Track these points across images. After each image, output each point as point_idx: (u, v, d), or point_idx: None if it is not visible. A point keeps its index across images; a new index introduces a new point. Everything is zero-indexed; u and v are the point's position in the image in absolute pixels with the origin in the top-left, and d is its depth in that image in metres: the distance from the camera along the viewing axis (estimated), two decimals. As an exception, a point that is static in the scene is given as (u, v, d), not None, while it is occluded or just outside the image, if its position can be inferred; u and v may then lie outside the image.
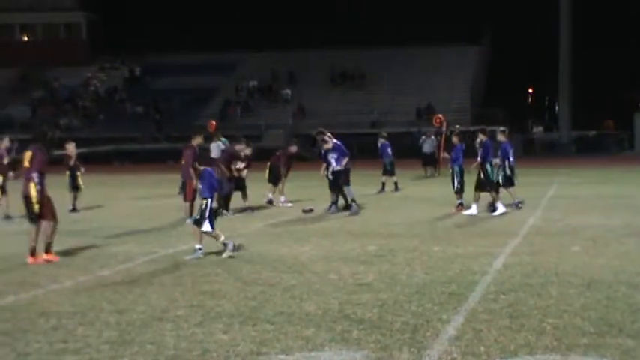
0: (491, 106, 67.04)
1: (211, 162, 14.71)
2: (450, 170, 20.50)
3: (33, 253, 13.10)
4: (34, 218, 13.12)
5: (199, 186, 13.73)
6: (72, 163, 22.96)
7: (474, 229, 16.42)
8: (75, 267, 12.48)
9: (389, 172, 27.54)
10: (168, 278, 11.29)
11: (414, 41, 74.02)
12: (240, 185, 20.85)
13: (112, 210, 23.04)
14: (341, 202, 20.83)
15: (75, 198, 22.62)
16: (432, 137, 36.99)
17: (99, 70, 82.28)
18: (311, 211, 20.39)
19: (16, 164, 18.79)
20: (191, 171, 17.25)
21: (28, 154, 13.28)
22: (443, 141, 34.17)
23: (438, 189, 26.60)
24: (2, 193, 20.24)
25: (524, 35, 79.84)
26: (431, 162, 36.32)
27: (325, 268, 11.90)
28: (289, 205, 22.53)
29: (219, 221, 14.11)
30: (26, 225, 13.69)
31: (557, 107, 79.11)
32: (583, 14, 69.98)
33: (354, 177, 21.21)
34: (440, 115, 42.85)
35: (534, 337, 7.76)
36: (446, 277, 10.93)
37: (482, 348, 7.45)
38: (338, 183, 20.41)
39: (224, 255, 12.93)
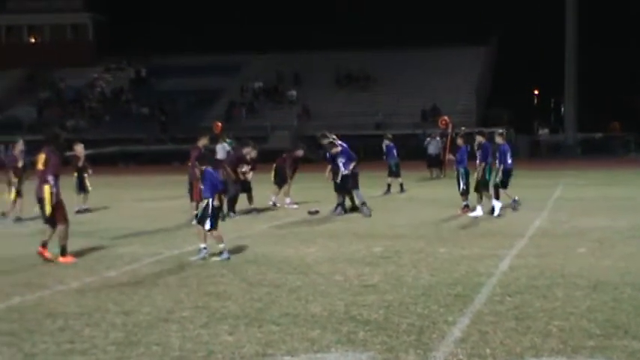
0: (496, 108, 66.95)
1: (212, 162, 14.69)
2: (456, 172, 20.48)
3: (44, 245, 13.22)
4: (49, 220, 13.20)
5: (201, 186, 13.71)
6: (80, 164, 23.01)
7: (479, 231, 16.40)
8: (81, 268, 12.49)
9: (394, 173, 27.54)
10: (173, 279, 11.29)
11: (420, 43, 73.96)
12: (245, 187, 20.86)
13: (117, 211, 23.07)
14: (348, 204, 20.81)
15: (85, 199, 22.66)
16: (437, 139, 37.00)
17: (105, 71, 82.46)
18: (317, 212, 20.38)
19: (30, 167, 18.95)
20: (196, 171, 17.26)
21: (41, 157, 13.33)
22: (448, 143, 34.16)
23: (443, 190, 26.58)
24: (17, 196, 20.26)
25: (530, 36, 79.70)
26: (436, 163, 36.31)
27: (331, 269, 11.89)
28: (295, 206, 22.54)
29: (225, 223, 14.10)
30: (40, 226, 13.74)
31: (563, 109, 78.99)
32: (589, 16, 69.87)
33: (359, 178, 21.17)
34: (445, 117, 42.88)
35: (540, 340, 7.74)
36: (452, 279, 10.91)
37: (488, 350, 7.44)
38: (346, 186, 20.40)
39: (214, 258, 12.90)
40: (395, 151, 27.83)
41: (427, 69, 72.23)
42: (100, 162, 24.19)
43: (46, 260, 13.04)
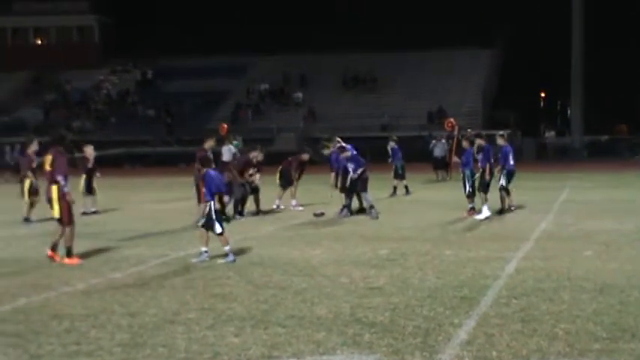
0: (502, 110, 66.88)
1: (214, 164, 14.70)
2: (461, 174, 20.46)
3: (54, 248, 13.35)
4: (59, 219, 13.26)
5: (203, 189, 13.69)
6: (90, 165, 23.08)
7: (485, 233, 16.38)
8: (87, 270, 12.51)
9: (400, 175, 27.53)
10: (179, 281, 11.30)
11: (426, 45, 73.89)
12: (253, 190, 20.89)
13: (123, 213, 23.10)
14: (356, 206, 20.81)
15: (93, 201, 22.70)
16: (443, 141, 36.95)
17: (111, 73, 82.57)
18: (322, 214, 20.39)
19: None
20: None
21: (48, 158, 13.43)
22: (454, 145, 34.12)
23: (449, 193, 26.56)
24: (30, 196, 20.29)
25: (537, 39, 79.63)
26: (442, 166, 36.28)
27: (336, 271, 11.89)
28: (300, 208, 22.54)
29: (231, 225, 14.10)
30: (51, 228, 13.80)
31: (569, 111, 78.89)
32: (595, 18, 69.75)
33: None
34: (452, 119, 42.77)
35: (547, 343, 7.73)
36: (458, 282, 10.90)
37: (494, 353, 7.43)
38: (355, 189, 20.41)
39: (219, 260, 12.91)
40: (400, 153, 27.81)
41: (433, 71, 72.19)
42: (106, 164, 24.26)
43: (55, 262, 13.11)
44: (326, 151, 20.67)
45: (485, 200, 19.34)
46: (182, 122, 68.60)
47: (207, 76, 75.25)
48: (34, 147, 20.72)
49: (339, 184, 21.04)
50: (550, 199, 24.21)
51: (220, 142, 26.08)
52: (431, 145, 37.46)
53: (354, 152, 20.49)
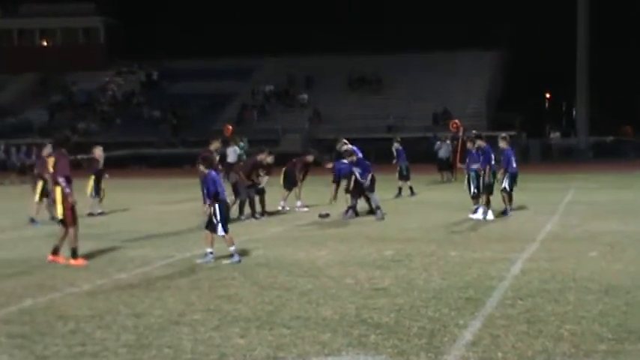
0: (508, 111, 66.83)
1: (214, 165, 14.68)
2: (466, 175, 20.43)
3: (55, 252, 13.39)
4: (62, 221, 13.30)
5: (204, 190, 13.65)
6: (100, 167, 23.15)
7: (491, 235, 16.36)
8: (92, 271, 12.53)
9: (405, 176, 27.53)
10: (184, 282, 11.31)
11: (431, 46, 73.90)
12: (259, 191, 20.91)
13: (129, 214, 23.12)
14: (364, 207, 20.80)
15: (100, 202, 22.75)
16: (448, 142, 36.96)
17: (116, 74, 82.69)
18: (327, 215, 20.38)
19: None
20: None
21: (51, 160, 13.50)
22: (459, 146, 34.11)
23: (454, 194, 26.54)
24: (41, 198, 20.37)
25: (542, 40, 79.54)
26: (447, 167, 36.27)
27: (342, 272, 11.89)
28: (305, 209, 22.55)
29: (236, 227, 14.11)
30: (55, 229, 13.84)
31: (574, 112, 78.79)
32: (600, 19, 69.66)
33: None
34: (456, 120, 42.79)
35: (552, 344, 7.73)
36: (463, 283, 10.90)
37: (499, 354, 7.43)
38: (362, 191, 20.42)
39: (224, 261, 12.92)
40: (405, 155, 27.81)
41: (438, 72, 72.15)
42: (111, 165, 24.36)
43: (60, 263, 13.15)
44: (349, 159, 20.56)
45: (487, 202, 19.31)
46: (187, 124, 68.69)
47: (212, 78, 75.28)
48: (48, 149, 20.83)
49: (344, 186, 21.01)
50: (555, 200, 24.19)
51: (225, 143, 26.13)
52: (436, 147, 37.47)
53: (360, 155, 20.47)
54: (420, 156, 38.67)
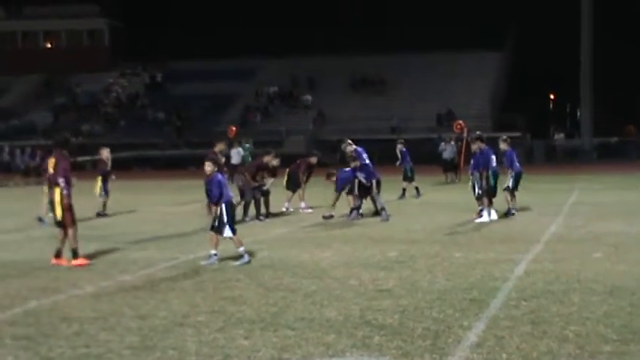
0: (512, 113, 66.81)
1: (221, 167, 14.66)
2: (471, 176, 20.41)
3: (58, 255, 13.43)
4: (59, 223, 13.34)
5: (212, 191, 13.61)
6: (107, 168, 23.21)
7: (495, 236, 16.35)
8: (96, 272, 12.54)
9: (409, 177, 27.52)
10: (189, 284, 11.32)
11: (435, 47, 73.86)
12: (264, 193, 20.91)
13: (132, 216, 23.14)
14: (368, 208, 20.79)
15: (105, 203, 22.80)
16: (452, 143, 36.96)
17: (120, 76, 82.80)
18: (331, 217, 20.37)
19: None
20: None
21: (51, 161, 13.56)
22: (463, 147, 34.12)
23: (458, 195, 26.53)
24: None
25: (546, 41, 79.49)
26: (451, 168, 36.27)
27: (346, 274, 11.89)
28: (309, 210, 22.56)
29: (240, 228, 14.11)
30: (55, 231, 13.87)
31: (578, 113, 78.73)
32: (604, 19, 69.60)
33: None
34: (460, 121, 42.77)
35: (557, 345, 7.72)
36: (467, 284, 10.89)
37: (503, 355, 7.42)
38: (369, 192, 20.40)
39: (235, 263, 12.92)
40: (409, 156, 27.81)
41: (442, 73, 72.14)
42: (115, 167, 24.44)
43: (64, 265, 13.20)
44: (353, 164, 20.54)
45: (490, 203, 19.30)
46: (191, 125, 68.76)
47: (216, 79, 75.36)
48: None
49: (348, 188, 20.98)
50: (559, 201, 24.16)
51: (230, 144, 26.13)
52: (440, 148, 37.47)
53: (364, 161, 20.42)
54: (425, 157, 38.64)
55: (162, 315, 9.31)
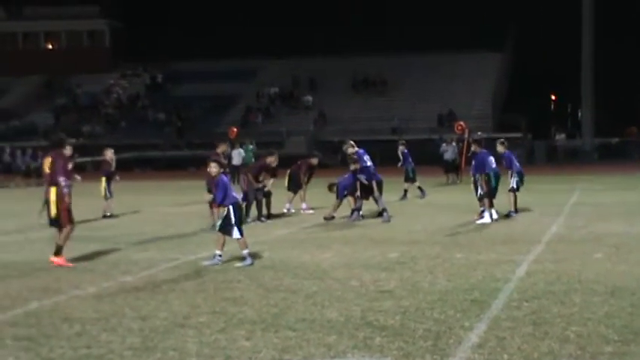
0: (513, 113, 66.80)
1: (225, 169, 14.67)
2: (472, 177, 20.42)
3: (57, 253, 13.45)
4: (53, 222, 13.37)
5: (217, 193, 13.59)
6: (112, 169, 23.25)
7: (496, 236, 16.34)
8: (97, 273, 12.54)
9: (411, 178, 27.51)
10: (190, 285, 11.32)
11: (436, 47, 73.88)
12: (265, 194, 20.91)
13: (133, 217, 23.14)
14: (371, 209, 20.77)
15: (110, 204, 22.84)
16: (453, 144, 36.95)
17: (121, 77, 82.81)
18: (332, 218, 20.37)
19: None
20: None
21: (47, 161, 13.63)
22: (465, 148, 34.12)
23: (460, 196, 26.53)
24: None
25: (547, 42, 79.48)
26: (452, 169, 36.26)
27: (347, 275, 11.89)
28: (311, 211, 22.56)
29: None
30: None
31: (579, 114, 78.72)
32: (605, 20, 69.59)
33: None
34: (461, 122, 42.81)
35: (558, 345, 7.72)
36: (468, 285, 10.89)
37: (505, 356, 7.42)
38: (371, 194, 20.40)
39: (237, 264, 12.92)
40: (410, 157, 27.81)
41: (443, 74, 72.15)
42: (117, 167, 24.49)
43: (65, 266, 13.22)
44: (352, 167, 20.52)
45: (490, 205, 19.29)
46: (192, 126, 68.78)
47: (216, 80, 75.39)
48: (68, 151, 20.98)
49: (348, 190, 20.96)
50: (561, 202, 24.16)
51: (231, 145, 26.13)
52: (442, 149, 37.46)
53: (365, 163, 20.39)
54: (426, 158, 38.64)
55: (164, 316, 9.31)
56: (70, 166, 20.48)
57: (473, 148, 20.09)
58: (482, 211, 19.47)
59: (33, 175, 38.89)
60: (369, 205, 20.94)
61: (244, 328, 8.62)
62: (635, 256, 13.28)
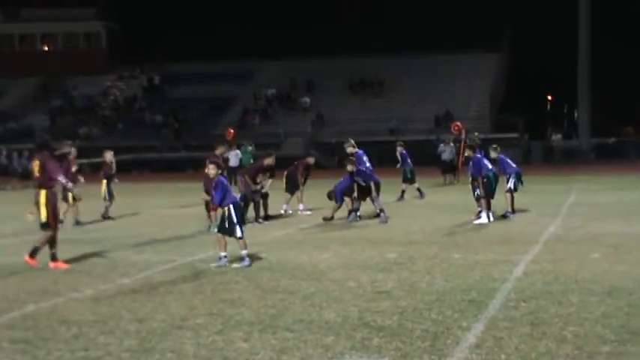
0: (510, 114, 66.85)
1: (224, 170, 14.68)
2: (470, 178, 20.43)
3: (53, 258, 13.52)
4: (45, 225, 13.37)
5: (215, 194, 13.57)
6: (112, 172, 23.26)
7: (493, 237, 16.35)
8: (95, 275, 12.53)
9: (409, 179, 27.51)
10: (187, 287, 11.31)
11: (433, 48, 73.92)
12: (263, 195, 20.90)
13: (131, 218, 23.13)
14: (372, 209, 20.76)
15: (109, 206, 22.87)
16: (451, 144, 36.97)
17: (118, 79, 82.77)
18: (332, 218, 20.36)
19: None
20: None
21: (36, 164, 13.66)
22: (462, 148, 34.13)
23: (457, 196, 26.55)
24: (74, 199, 20.67)
25: (544, 42, 79.57)
26: (450, 169, 36.28)
27: (344, 275, 11.89)
28: (308, 212, 22.57)
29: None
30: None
31: (576, 114, 78.82)
32: (602, 20, 69.69)
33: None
34: (458, 123, 42.85)
35: (555, 346, 7.72)
36: (466, 285, 10.90)
37: (502, 356, 7.43)
38: (368, 195, 20.39)
39: (235, 265, 12.91)
40: (409, 158, 27.81)
41: (440, 75, 72.18)
42: (116, 169, 24.57)
43: (63, 268, 13.23)
44: (349, 167, 20.51)
45: (488, 206, 19.29)
46: (189, 128, 68.76)
47: (214, 82, 75.41)
48: (73, 153, 21.15)
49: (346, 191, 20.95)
50: (558, 202, 24.18)
51: (228, 147, 26.11)
52: (439, 149, 37.48)
53: (365, 164, 20.37)
54: (423, 158, 38.64)
55: (161, 318, 9.31)
56: (74, 168, 20.70)
57: (467, 153, 20.17)
58: (480, 212, 19.48)
59: (30, 177, 38.81)
60: (366, 206, 20.95)
61: (242, 330, 8.62)
62: (632, 256, 13.29)
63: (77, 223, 20.85)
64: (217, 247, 13.33)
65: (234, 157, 36.47)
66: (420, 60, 74.84)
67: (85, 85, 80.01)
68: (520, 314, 9.06)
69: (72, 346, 8.11)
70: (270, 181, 21.26)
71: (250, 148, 39.12)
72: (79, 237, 18.30)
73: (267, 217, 20.92)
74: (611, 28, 74.84)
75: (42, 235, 13.51)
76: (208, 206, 18.26)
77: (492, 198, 19.55)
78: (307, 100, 71.94)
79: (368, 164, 20.55)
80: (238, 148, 38.40)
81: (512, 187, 20.34)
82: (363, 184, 20.20)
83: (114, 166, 23.60)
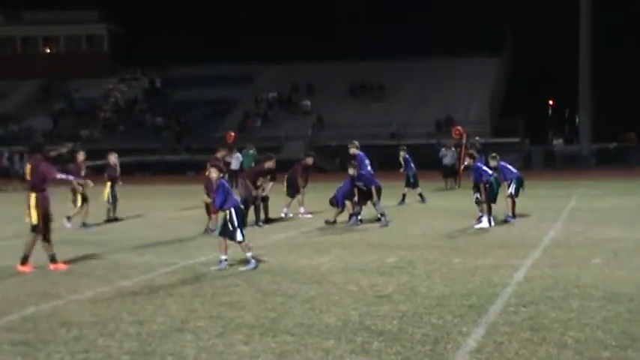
0: (511, 118, 66.80)
1: (225, 174, 14.70)
2: (473, 182, 20.41)
3: (52, 260, 13.57)
4: (35, 227, 13.35)
5: (217, 197, 13.57)
6: (116, 174, 23.29)
7: (494, 241, 16.34)
8: (95, 278, 12.53)
9: (412, 184, 27.47)
10: (187, 289, 11.31)
11: (434, 53, 73.97)
12: (263, 198, 20.90)
13: (131, 221, 23.12)
14: (373, 213, 20.76)
15: (114, 208, 22.88)
16: (452, 149, 36.94)
17: (119, 81, 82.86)
18: (334, 222, 20.34)
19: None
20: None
21: (28, 167, 13.71)
22: (463, 153, 34.10)
23: (458, 201, 26.53)
24: (83, 201, 20.87)
25: (545, 47, 79.59)
26: (451, 174, 36.24)
27: (344, 279, 11.89)
28: (309, 215, 22.56)
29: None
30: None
31: (577, 119, 78.77)
32: (603, 25, 69.68)
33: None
34: (459, 127, 42.81)
35: (556, 351, 7.71)
36: (466, 290, 10.89)
37: (503, 361, 7.42)
38: (369, 199, 20.39)
39: (242, 268, 12.92)
40: (412, 162, 27.78)
41: (441, 79, 72.18)
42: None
43: (63, 269, 13.23)
44: (351, 171, 20.51)
45: (489, 210, 19.28)
46: (190, 130, 68.77)
47: (215, 85, 75.46)
48: (81, 156, 21.21)
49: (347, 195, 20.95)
50: (558, 207, 24.16)
51: (229, 150, 26.10)
52: (441, 154, 37.43)
53: (366, 167, 20.37)
54: (425, 163, 38.63)
55: (161, 320, 9.31)
56: (82, 172, 20.78)
57: (466, 162, 20.16)
58: (481, 216, 19.47)
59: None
60: (367, 210, 20.94)
61: (242, 333, 8.61)
62: (633, 261, 13.28)
63: (84, 225, 20.85)
64: (218, 250, 13.33)
65: (235, 161, 36.47)
66: (420, 64, 74.86)
67: (87, 87, 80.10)
68: (520, 319, 9.05)
69: (72, 349, 8.11)
70: (270, 184, 21.27)
71: (252, 151, 39.11)
72: (80, 238, 18.32)
73: (267, 220, 20.91)
74: (612, 34, 74.87)
75: (28, 240, 13.51)
76: (209, 208, 18.29)
77: (494, 203, 19.55)
78: (308, 103, 71.96)
79: (369, 168, 20.55)
80: (240, 151, 38.39)
81: (513, 192, 20.36)
82: (364, 189, 20.22)
83: (118, 168, 23.62)
